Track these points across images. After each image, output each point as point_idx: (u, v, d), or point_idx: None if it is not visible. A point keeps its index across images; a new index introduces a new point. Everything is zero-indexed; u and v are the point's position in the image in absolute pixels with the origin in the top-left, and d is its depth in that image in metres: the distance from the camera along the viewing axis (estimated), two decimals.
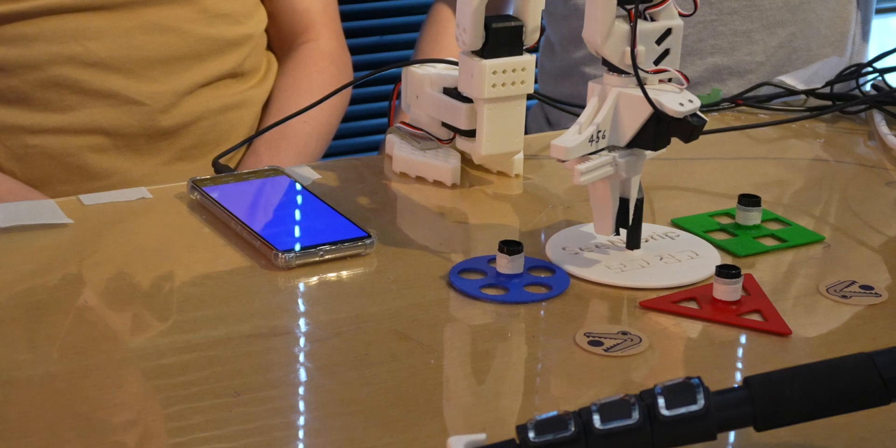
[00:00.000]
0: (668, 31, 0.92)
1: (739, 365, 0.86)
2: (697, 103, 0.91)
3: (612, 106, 0.91)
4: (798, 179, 1.14)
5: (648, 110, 0.90)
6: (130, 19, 1.32)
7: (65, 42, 1.31)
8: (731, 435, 0.77)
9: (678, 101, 0.90)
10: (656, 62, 0.92)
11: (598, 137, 0.90)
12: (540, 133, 1.27)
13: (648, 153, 0.94)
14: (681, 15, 0.92)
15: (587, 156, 0.90)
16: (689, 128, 0.90)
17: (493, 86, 1.01)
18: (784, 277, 0.96)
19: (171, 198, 1.05)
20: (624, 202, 0.95)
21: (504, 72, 1.01)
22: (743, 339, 0.88)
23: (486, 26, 1.00)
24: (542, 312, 0.91)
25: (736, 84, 1.51)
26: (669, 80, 0.93)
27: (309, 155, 1.38)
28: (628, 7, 0.90)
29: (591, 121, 0.90)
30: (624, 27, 0.90)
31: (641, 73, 0.90)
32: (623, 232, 0.96)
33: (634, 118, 0.91)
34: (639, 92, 0.90)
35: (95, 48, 1.32)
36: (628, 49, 0.90)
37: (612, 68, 0.91)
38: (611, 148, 0.92)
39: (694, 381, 0.71)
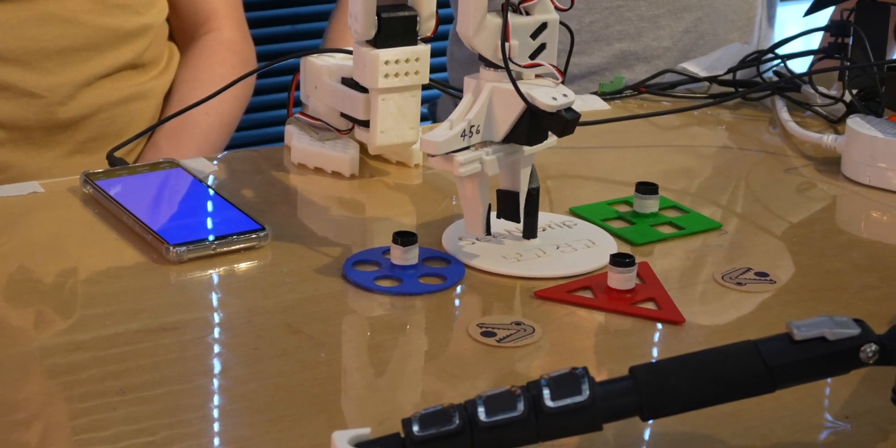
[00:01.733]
0: (544, 26, 0.91)
1: (633, 354, 0.86)
2: (572, 98, 0.90)
3: (486, 101, 0.90)
4: (701, 167, 1.14)
5: (521, 105, 0.89)
6: (26, 10, 1.30)
7: None
8: (618, 425, 0.77)
9: (551, 96, 0.89)
10: (532, 57, 0.91)
11: (471, 132, 0.89)
12: None
13: (534, 146, 0.93)
14: (557, 9, 0.92)
15: (461, 151, 0.89)
16: (562, 122, 0.89)
17: (387, 76, 1.00)
18: (680, 265, 0.96)
19: (64, 192, 1.04)
20: (513, 196, 0.94)
21: (397, 62, 1.00)
22: (637, 328, 0.88)
23: (378, 15, 0.99)
24: (436, 304, 0.90)
25: (643, 69, 1.51)
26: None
27: (211, 146, 1.37)
28: (501, 1, 0.89)
29: (463, 116, 0.89)
30: (496, 21, 0.89)
31: (515, 68, 0.89)
32: (515, 225, 0.96)
33: (508, 113, 0.90)
34: (512, 86, 0.89)
35: None
36: (499, 43, 0.89)
37: (488, 63, 0.90)
38: (487, 143, 0.91)
39: (579, 372, 0.70)
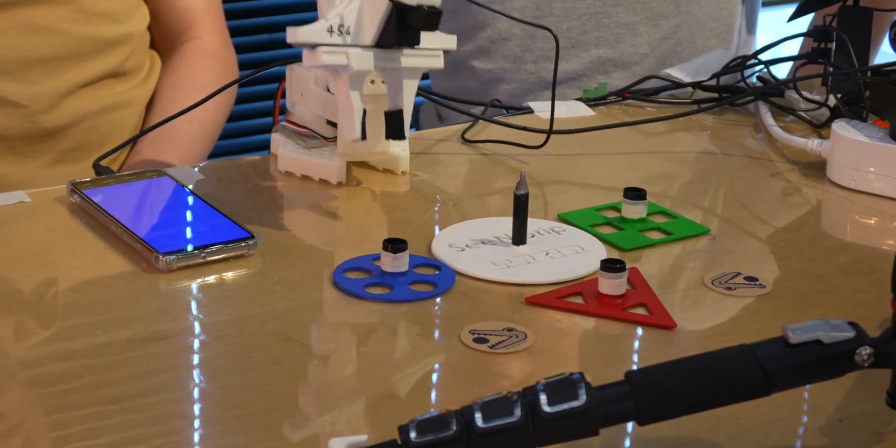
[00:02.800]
0: None
1: (625, 359, 0.86)
2: None
3: (359, 3, 0.92)
4: (686, 172, 1.15)
5: (387, 4, 0.91)
6: (5, 20, 1.29)
7: None
8: (614, 430, 0.77)
9: None
10: None
11: (340, 31, 0.91)
12: (431, 129, 1.26)
13: (413, 59, 0.94)
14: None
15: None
16: (423, 14, 0.92)
17: None
18: (670, 270, 0.96)
19: (51, 201, 1.03)
20: (398, 114, 0.95)
21: None
22: (628, 334, 0.88)
23: None
24: (427, 310, 0.90)
25: (621, 76, 1.51)
26: None
27: (194, 155, 1.36)
28: None
29: (331, 15, 0.91)
30: None
31: None
32: (504, 232, 0.96)
33: (376, 12, 0.92)
34: None
35: None
36: None
37: None
38: (359, 46, 0.93)
39: (575, 377, 0.70)
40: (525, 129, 1.15)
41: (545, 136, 1.13)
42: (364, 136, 0.94)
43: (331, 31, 0.90)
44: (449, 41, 0.99)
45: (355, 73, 0.94)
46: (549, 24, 1.49)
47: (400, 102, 0.95)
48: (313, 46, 0.92)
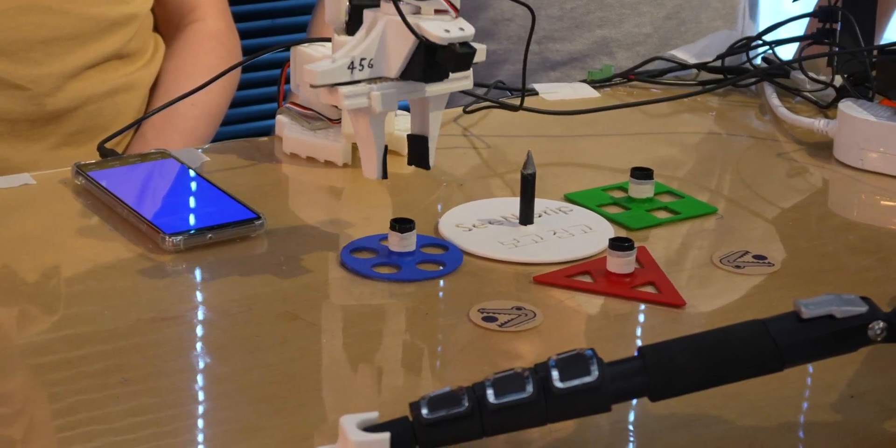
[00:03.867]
0: None
1: (634, 337, 0.86)
2: (469, 31, 0.86)
3: (380, 34, 0.86)
4: (691, 153, 1.14)
5: (414, 38, 0.85)
6: (7, 1, 1.29)
7: None
8: (625, 405, 0.77)
9: (444, 28, 0.85)
10: None
11: (360, 65, 0.85)
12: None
13: (440, 86, 0.89)
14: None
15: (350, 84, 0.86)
16: (452, 55, 0.85)
17: None
18: (678, 249, 0.96)
19: (56, 184, 1.03)
20: (422, 140, 0.90)
21: None
22: (637, 312, 0.88)
23: (350, 2, 0.98)
24: (435, 290, 0.89)
25: (625, 56, 1.51)
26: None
27: (197, 138, 1.36)
28: None
29: (351, 49, 0.86)
30: None
31: (409, 1, 0.85)
32: (511, 211, 0.95)
33: (401, 46, 0.86)
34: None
35: None
36: None
37: None
38: (383, 79, 0.87)
39: (587, 353, 0.70)
40: (532, 110, 1.15)
41: (550, 117, 1.12)
42: (385, 176, 0.90)
43: (352, 67, 0.85)
44: (479, 54, 0.89)
45: (378, 114, 0.89)
46: (551, 3, 1.49)
47: (425, 128, 0.90)
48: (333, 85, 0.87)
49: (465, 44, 0.86)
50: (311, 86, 0.85)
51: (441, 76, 0.88)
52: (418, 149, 0.91)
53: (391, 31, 0.86)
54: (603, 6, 1.49)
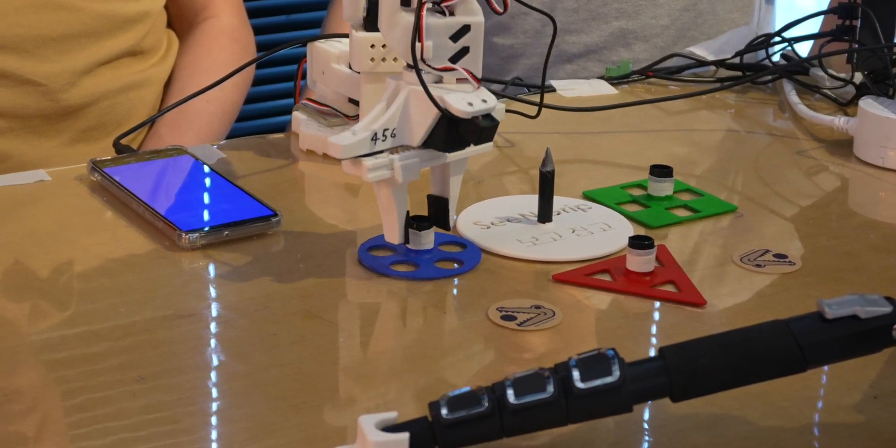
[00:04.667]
0: (466, 28, 0.85)
1: (654, 337, 0.85)
2: (491, 103, 0.85)
3: (402, 104, 0.86)
4: (709, 150, 1.13)
5: (435, 112, 0.85)
6: None
7: None
8: (645, 406, 0.76)
9: (467, 101, 0.84)
10: (454, 60, 0.86)
11: (383, 136, 0.85)
12: None
13: (461, 152, 0.88)
14: (494, 11, 0.86)
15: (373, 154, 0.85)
16: (476, 129, 0.85)
17: (373, 59, 0.99)
18: (697, 248, 0.95)
19: (71, 180, 1.02)
20: (442, 202, 0.90)
21: (384, 46, 0.98)
22: (657, 311, 0.87)
23: None
24: (453, 288, 0.89)
25: (642, 48, 1.50)
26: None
27: (212, 135, 1.35)
28: None
29: (373, 121, 0.85)
30: (410, 19, 0.84)
31: (431, 71, 0.85)
32: (529, 209, 0.94)
33: (424, 117, 0.85)
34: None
35: None
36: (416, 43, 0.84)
37: (411, 65, 0.86)
38: (404, 147, 0.87)
39: (609, 353, 0.70)
40: (549, 107, 1.14)
41: (567, 114, 1.12)
42: (407, 241, 0.90)
43: (374, 138, 0.84)
44: (499, 113, 0.88)
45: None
46: None
47: (445, 190, 0.90)
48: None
49: (487, 116, 0.85)
50: (336, 158, 0.84)
51: (463, 145, 0.88)
52: (438, 209, 0.91)
53: (414, 101, 0.86)
54: None
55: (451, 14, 0.86)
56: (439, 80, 0.86)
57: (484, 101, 0.85)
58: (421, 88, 0.85)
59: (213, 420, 0.76)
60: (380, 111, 0.86)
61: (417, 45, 0.84)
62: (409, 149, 0.87)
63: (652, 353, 0.83)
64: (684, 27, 1.49)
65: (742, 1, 1.53)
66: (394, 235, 0.89)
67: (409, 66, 0.86)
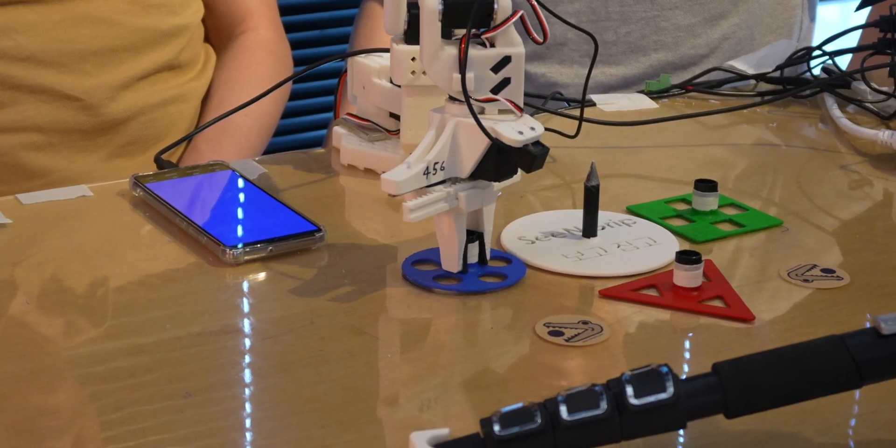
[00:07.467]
0: (507, 59, 0.85)
1: (703, 352, 0.84)
2: (539, 131, 0.85)
3: (450, 137, 0.86)
4: (751, 165, 1.13)
5: (487, 140, 0.85)
6: (60, 12, 1.29)
7: None
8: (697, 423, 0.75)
9: (517, 130, 0.85)
10: (496, 91, 0.86)
11: (434, 169, 0.85)
12: None
13: (500, 183, 0.89)
14: (534, 41, 0.86)
15: (425, 189, 0.85)
16: (529, 157, 0.85)
17: (413, 73, 0.98)
18: (744, 262, 0.95)
19: (113, 195, 1.02)
20: (478, 236, 0.90)
21: None
22: (706, 326, 0.86)
23: (409, 10, 0.97)
24: (498, 303, 0.88)
25: (680, 79, 1.49)
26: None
27: (251, 149, 1.35)
28: (459, 32, 0.85)
29: (425, 155, 0.85)
30: (453, 51, 0.85)
31: (474, 102, 0.85)
32: (574, 224, 0.94)
33: (473, 148, 0.86)
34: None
35: (25, 42, 1.28)
36: (456, 75, 0.85)
37: (452, 96, 0.86)
38: (453, 180, 0.87)
39: (663, 369, 0.69)
40: (586, 119, 1.14)
41: (607, 128, 1.11)
42: (466, 270, 0.90)
43: (426, 172, 0.85)
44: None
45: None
46: (606, 28, 1.47)
47: (480, 224, 0.90)
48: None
49: (537, 143, 0.86)
50: (390, 195, 0.85)
51: (511, 174, 0.88)
52: (475, 243, 0.91)
53: (462, 132, 0.86)
54: (658, 30, 1.47)
55: (492, 45, 0.86)
56: (482, 111, 0.86)
57: (532, 128, 0.85)
58: (468, 120, 0.85)
59: (259, 435, 0.75)
60: (429, 143, 0.86)
61: (459, 76, 0.84)
62: (458, 181, 0.87)
63: (702, 369, 0.82)
64: (724, 56, 1.49)
65: (777, 23, 1.52)
66: (453, 264, 0.89)
67: (450, 98, 0.86)
